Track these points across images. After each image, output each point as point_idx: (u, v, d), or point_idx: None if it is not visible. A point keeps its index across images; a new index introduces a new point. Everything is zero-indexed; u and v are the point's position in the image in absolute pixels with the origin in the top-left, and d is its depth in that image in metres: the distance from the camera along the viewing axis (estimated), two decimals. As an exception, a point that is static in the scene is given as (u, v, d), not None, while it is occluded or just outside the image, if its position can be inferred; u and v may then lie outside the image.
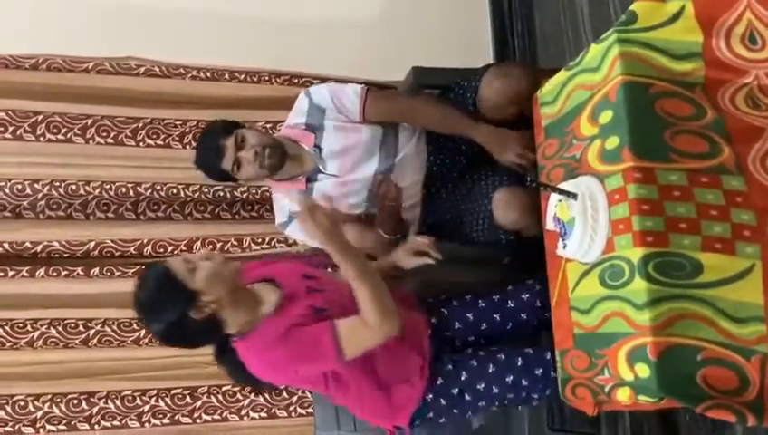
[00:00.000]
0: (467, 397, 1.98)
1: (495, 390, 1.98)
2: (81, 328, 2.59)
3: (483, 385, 1.98)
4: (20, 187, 2.59)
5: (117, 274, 2.59)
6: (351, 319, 1.83)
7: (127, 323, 2.60)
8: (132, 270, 2.59)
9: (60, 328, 2.58)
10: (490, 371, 1.98)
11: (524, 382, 1.98)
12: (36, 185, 2.59)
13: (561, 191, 1.70)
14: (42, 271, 2.55)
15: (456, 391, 1.98)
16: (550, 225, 1.80)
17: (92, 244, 2.60)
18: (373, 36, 3.06)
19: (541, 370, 1.98)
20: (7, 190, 2.58)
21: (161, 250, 2.63)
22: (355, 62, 2.84)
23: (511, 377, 1.97)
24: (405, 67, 2.69)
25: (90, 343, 2.61)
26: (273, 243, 2.67)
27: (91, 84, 2.58)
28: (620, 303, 1.59)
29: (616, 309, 1.61)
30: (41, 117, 2.57)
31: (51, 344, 2.59)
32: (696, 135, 1.63)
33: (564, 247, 1.74)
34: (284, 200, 2.41)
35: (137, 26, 2.90)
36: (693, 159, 1.60)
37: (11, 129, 2.55)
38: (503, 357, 2.00)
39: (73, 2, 2.88)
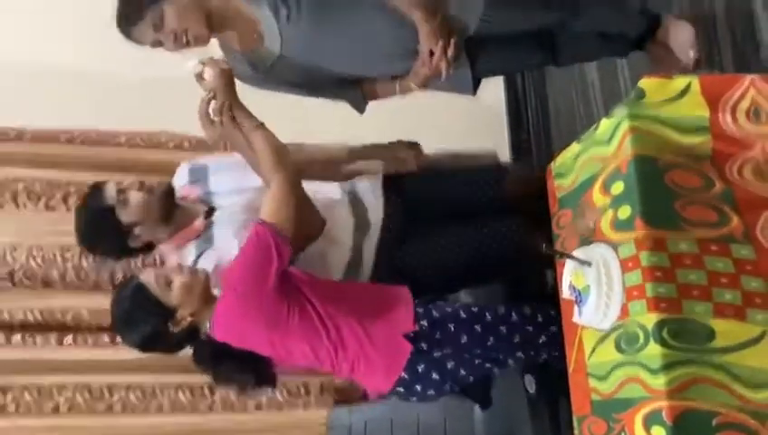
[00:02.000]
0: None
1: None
2: (105, 394, 2.63)
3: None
4: (51, 256, 2.67)
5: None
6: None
7: (150, 390, 2.65)
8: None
9: (85, 394, 2.62)
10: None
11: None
12: (66, 254, 2.68)
13: (576, 259, 1.75)
14: (69, 338, 2.61)
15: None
16: (565, 293, 1.84)
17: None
18: (386, 110, 3.12)
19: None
20: (39, 260, 2.67)
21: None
22: (369, 135, 2.89)
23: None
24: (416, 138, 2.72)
25: (113, 409, 2.65)
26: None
27: (123, 157, 2.69)
28: (636, 368, 1.63)
29: (632, 374, 1.64)
30: (73, 188, 2.67)
31: (75, 411, 2.64)
32: (705, 205, 1.68)
33: (580, 315, 1.79)
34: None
35: (169, 101, 3.01)
36: (702, 229, 1.65)
37: (44, 199, 2.65)
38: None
39: (109, 77, 3.00)
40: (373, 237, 2.32)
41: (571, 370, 1.90)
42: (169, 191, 2.21)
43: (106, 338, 2.63)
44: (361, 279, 2.28)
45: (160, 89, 3.01)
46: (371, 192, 2.38)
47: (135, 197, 2.13)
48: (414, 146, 2.59)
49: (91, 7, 2.65)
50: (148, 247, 2.24)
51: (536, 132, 3.58)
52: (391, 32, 2.20)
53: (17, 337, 2.58)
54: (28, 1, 3.07)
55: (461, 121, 3.36)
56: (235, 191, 2.30)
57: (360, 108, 2.44)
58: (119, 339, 2.63)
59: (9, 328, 2.61)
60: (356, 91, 2.40)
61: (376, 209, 2.35)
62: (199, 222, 2.23)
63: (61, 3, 3.01)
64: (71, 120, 2.71)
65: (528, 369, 2.26)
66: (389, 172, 2.47)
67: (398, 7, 2.14)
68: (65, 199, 2.66)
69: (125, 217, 2.13)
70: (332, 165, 2.49)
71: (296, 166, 2.09)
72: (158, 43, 2.15)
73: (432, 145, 2.78)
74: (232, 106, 2.02)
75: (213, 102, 2.03)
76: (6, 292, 2.64)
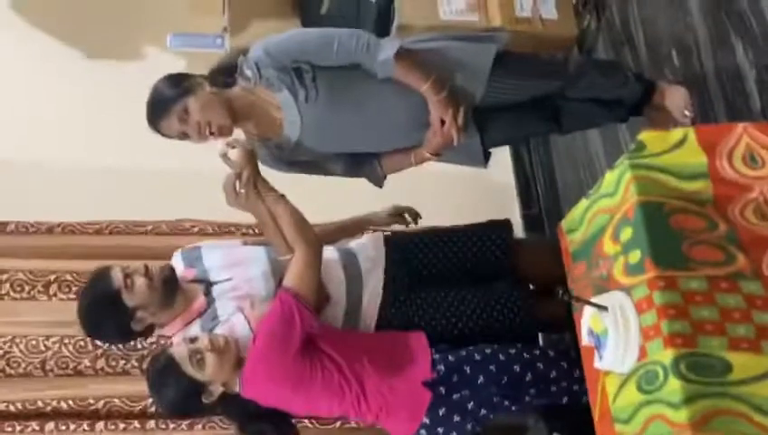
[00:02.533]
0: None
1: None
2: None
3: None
4: (82, 344, 2.75)
5: (172, 426, 2.69)
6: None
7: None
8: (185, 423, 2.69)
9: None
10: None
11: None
12: (98, 341, 2.74)
13: (592, 304, 1.81)
14: (101, 425, 2.65)
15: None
16: (585, 339, 1.89)
17: (150, 400, 2.71)
18: (397, 187, 3.18)
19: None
20: (71, 348, 2.74)
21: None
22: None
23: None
24: (430, 218, 2.79)
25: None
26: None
27: (150, 244, 2.80)
28: (659, 406, 1.66)
29: (655, 413, 1.67)
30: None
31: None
32: (711, 246, 1.75)
33: (601, 359, 1.83)
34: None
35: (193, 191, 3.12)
36: (711, 267, 1.72)
37: (74, 289, 2.74)
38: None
39: (137, 170, 3.14)
40: (372, 288, 2.37)
41: (596, 418, 1.93)
42: (172, 275, 2.27)
43: (137, 424, 2.67)
44: (362, 328, 2.34)
45: (185, 179, 3.17)
46: (372, 246, 2.47)
47: (140, 281, 2.19)
48: (410, 210, 2.68)
49: (120, 107, 2.84)
50: (150, 330, 2.30)
51: (546, 207, 3.68)
52: (403, 105, 2.32)
53: (50, 425, 2.62)
54: (56, 102, 3.25)
55: (471, 202, 3.45)
56: (228, 265, 2.36)
57: (379, 183, 2.54)
58: (149, 424, 2.71)
59: (43, 416, 2.65)
60: (373, 166, 2.51)
61: (375, 260, 2.42)
62: (200, 301, 2.29)
63: (88, 103, 3.20)
64: (99, 212, 2.84)
65: (547, 410, 2.30)
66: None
67: (408, 83, 2.27)
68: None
69: (130, 301, 2.18)
70: (337, 236, 2.57)
71: (318, 237, 2.21)
72: (184, 136, 2.27)
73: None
74: (256, 181, 2.15)
75: (237, 181, 2.16)
76: (39, 380, 2.71)
